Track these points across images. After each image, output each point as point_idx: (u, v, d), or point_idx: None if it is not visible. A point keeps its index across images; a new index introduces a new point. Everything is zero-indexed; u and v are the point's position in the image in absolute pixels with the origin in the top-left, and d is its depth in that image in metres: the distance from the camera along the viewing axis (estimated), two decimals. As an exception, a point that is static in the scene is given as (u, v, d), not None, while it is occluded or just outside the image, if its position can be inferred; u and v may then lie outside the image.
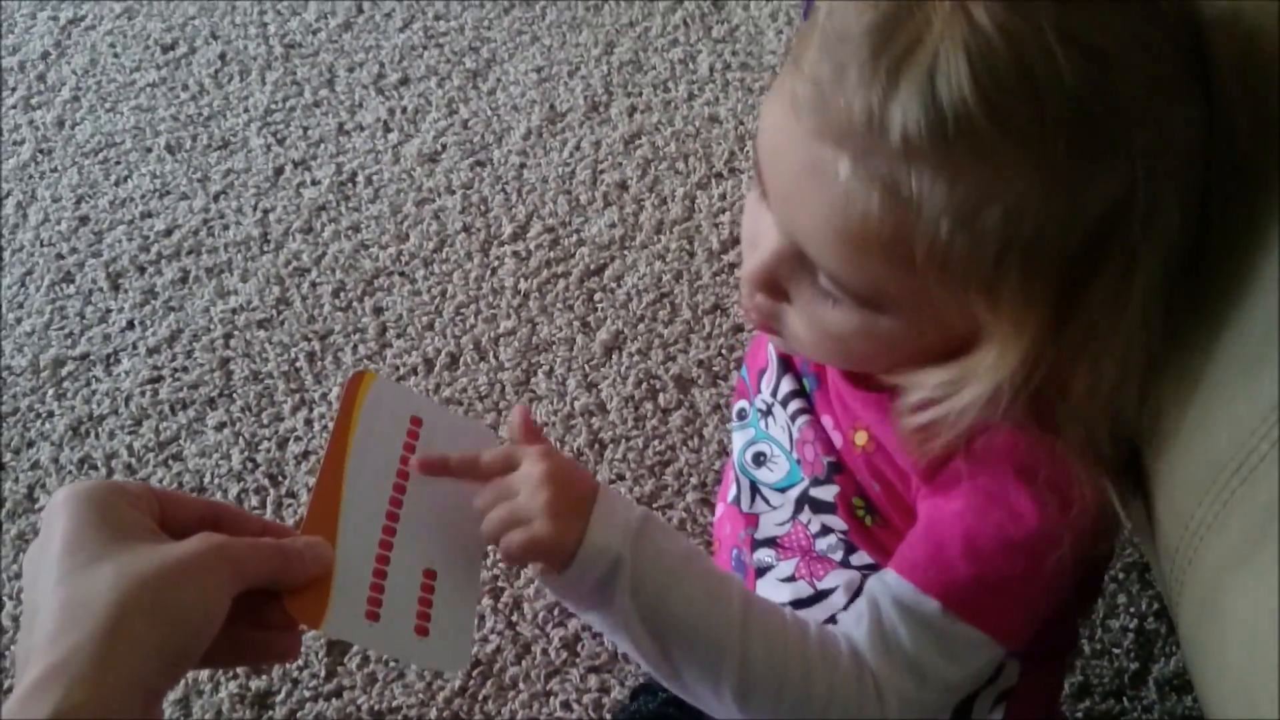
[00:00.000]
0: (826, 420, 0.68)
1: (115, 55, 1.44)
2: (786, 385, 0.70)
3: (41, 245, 1.22)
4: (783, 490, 0.70)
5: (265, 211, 1.25)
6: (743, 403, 0.74)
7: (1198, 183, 0.53)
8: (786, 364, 0.71)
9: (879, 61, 0.49)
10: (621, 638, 0.61)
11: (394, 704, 0.87)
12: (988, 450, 0.58)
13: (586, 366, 1.09)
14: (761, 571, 0.70)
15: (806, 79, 0.52)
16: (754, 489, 0.72)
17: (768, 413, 0.71)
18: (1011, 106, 0.48)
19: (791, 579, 0.69)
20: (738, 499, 0.73)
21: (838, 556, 0.67)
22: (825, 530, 0.68)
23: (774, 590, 0.69)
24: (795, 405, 0.69)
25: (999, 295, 0.52)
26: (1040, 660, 0.66)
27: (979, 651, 0.59)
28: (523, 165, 1.29)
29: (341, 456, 0.60)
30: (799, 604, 0.67)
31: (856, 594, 0.65)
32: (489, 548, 0.62)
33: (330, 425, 1.03)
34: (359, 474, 0.59)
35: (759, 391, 0.73)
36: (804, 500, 0.69)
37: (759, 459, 0.72)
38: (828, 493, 0.67)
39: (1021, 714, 0.66)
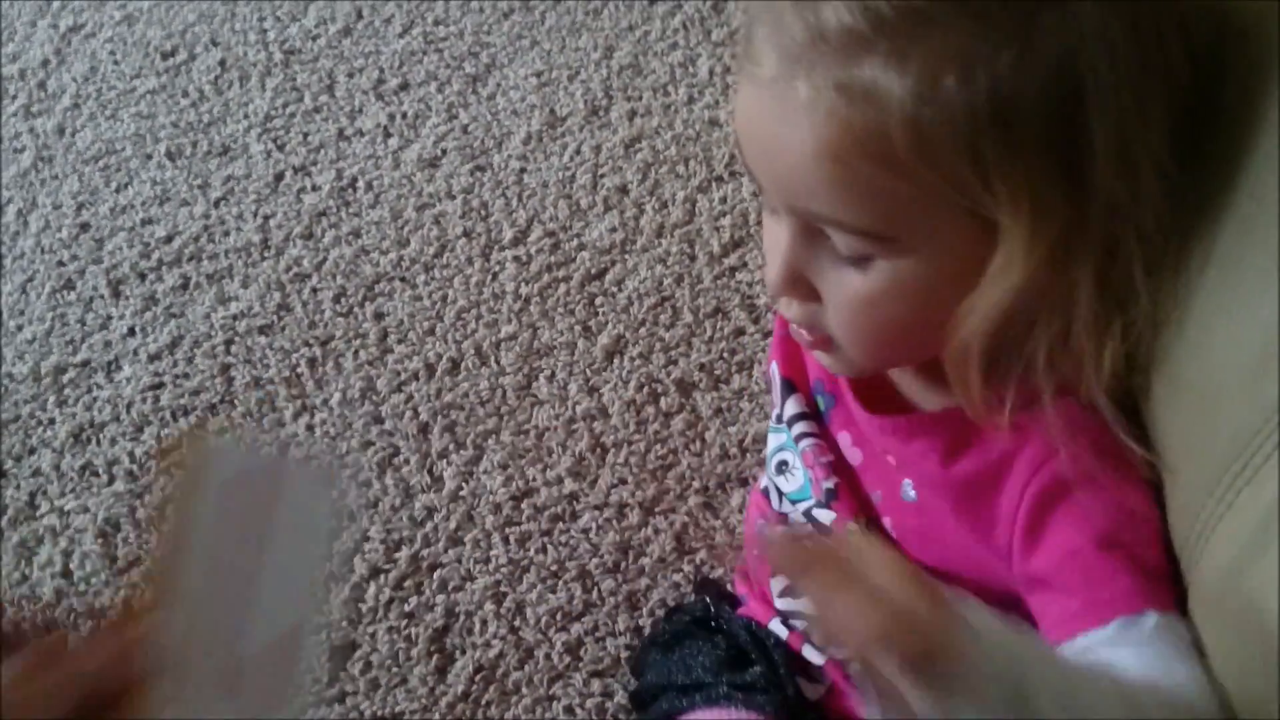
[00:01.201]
0: (844, 438, 0.68)
1: (115, 62, 1.44)
2: (792, 408, 0.70)
3: (42, 252, 1.22)
4: (794, 503, 0.71)
5: (266, 217, 1.25)
6: (778, 407, 0.74)
7: (1150, 42, 0.52)
8: (791, 386, 0.71)
9: None
10: None
11: (397, 709, 0.86)
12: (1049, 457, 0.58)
13: (588, 371, 1.08)
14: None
15: (755, 45, 0.54)
16: (779, 492, 0.72)
17: (782, 422, 0.72)
18: None
19: None
20: (767, 491, 0.74)
21: None
22: None
23: None
24: (800, 428, 0.69)
25: (987, 169, 0.52)
26: None
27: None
28: (523, 170, 1.29)
29: (179, 529, 0.53)
30: None
31: None
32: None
33: (331, 431, 1.04)
34: (201, 544, 0.53)
35: (777, 405, 0.73)
36: (809, 517, 0.69)
37: (782, 466, 0.72)
38: (826, 517, 0.68)
39: None
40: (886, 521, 0.67)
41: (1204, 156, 0.54)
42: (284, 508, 0.56)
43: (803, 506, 0.70)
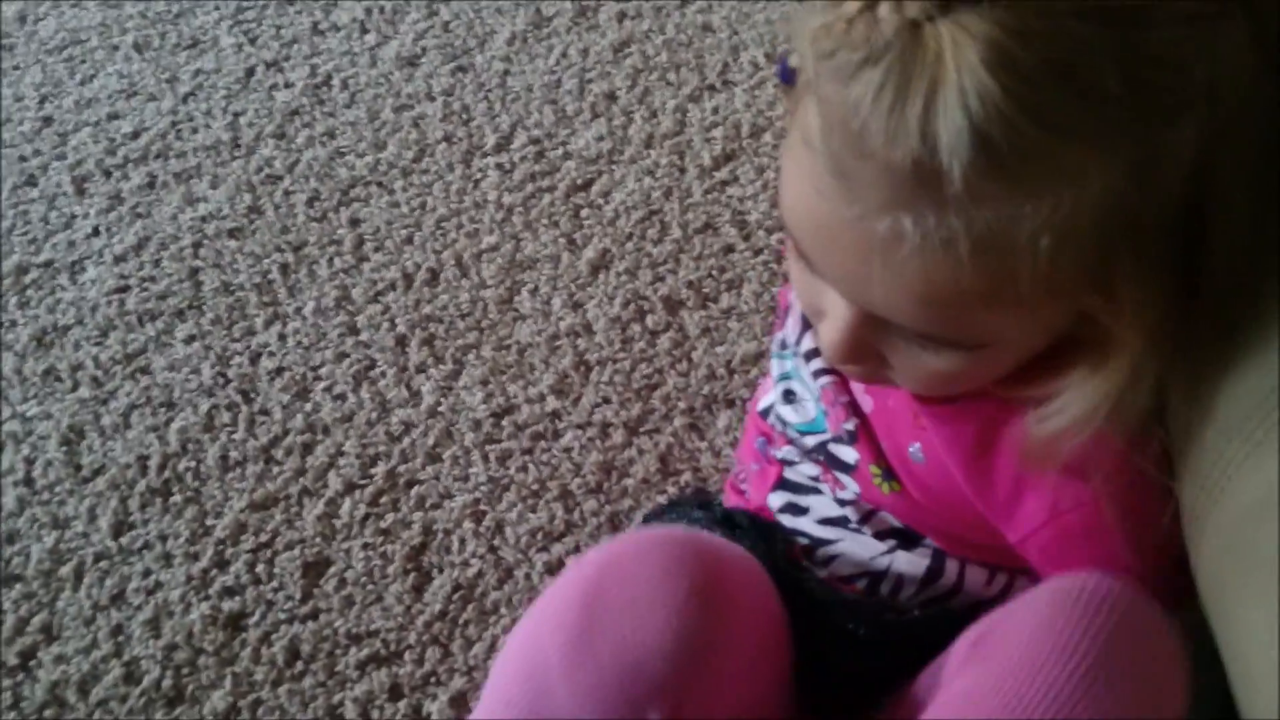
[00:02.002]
0: (856, 383, 0.65)
1: (78, -54, 1.36)
2: (809, 341, 0.67)
3: (3, 147, 1.16)
4: (803, 434, 0.68)
5: (236, 115, 1.20)
6: (783, 333, 0.71)
7: (1267, 109, 0.49)
8: (808, 320, 0.68)
9: (904, 111, 0.44)
10: None
11: (372, 627, 0.85)
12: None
13: (572, 286, 1.05)
14: (802, 510, 0.68)
15: (825, 158, 0.47)
16: (783, 421, 0.70)
17: (797, 355, 0.69)
18: (1052, 102, 0.44)
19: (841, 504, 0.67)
20: (766, 414, 0.72)
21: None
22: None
23: (830, 509, 0.67)
24: (818, 363, 0.67)
25: (1115, 288, 0.49)
26: None
27: None
28: (506, 72, 1.24)
29: None
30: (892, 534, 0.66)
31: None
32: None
33: (304, 341, 1.00)
34: None
35: (782, 330, 0.70)
36: (822, 450, 0.67)
37: (789, 395, 0.69)
38: (849, 455, 0.66)
39: None
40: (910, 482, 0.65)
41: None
42: None
43: (814, 440, 0.68)
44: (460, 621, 0.85)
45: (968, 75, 0.43)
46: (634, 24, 1.28)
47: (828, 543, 0.67)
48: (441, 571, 0.88)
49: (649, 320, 1.02)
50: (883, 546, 0.66)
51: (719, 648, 0.56)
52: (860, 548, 0.66)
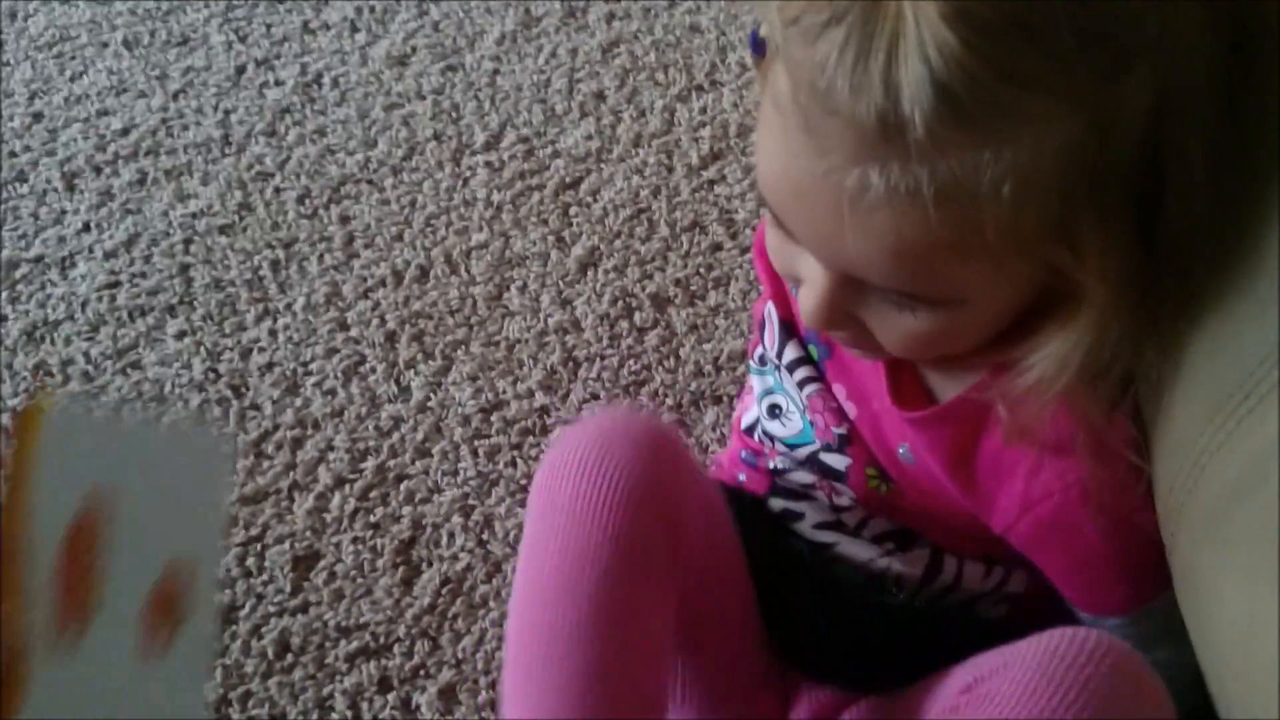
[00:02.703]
0: (839, 389, 0.66)
1: (68, -57, 1.37)
2: (791, 352, 0.68)
3: (-9, 142, 1.17)
4: (792, 447, 0.69)
5: (226, 112, 1.20)
6: (761, 348, 0.72)
7: (1217, 69, 0.50)
8: (790, 329, 0.68)
9: (866, 65, 0.46)
10: None
11: (361, 620, 0.85)
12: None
13: (561, 283, 1.06)
14: (798, 515, 0.70)
15: (795, 117, 0.49)
16: (770, 437, 0.71)
17: (778, 368, 0.69)
18: (1008, 53, 0.45)
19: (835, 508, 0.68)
20: (751, 430, 0.72)
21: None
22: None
23: (825, 515, 0.69)
24: (802, 373, 0.67)
25: (1079, 240, 0.50)
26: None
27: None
28: (496, 71, 1.24)
29: (20, 512, 0.48)
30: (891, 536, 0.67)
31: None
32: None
33: (294, 336, 1.01)
34: (47, 529, 0.48)
35: (761, 345, 0.71)
36: (812, 462, 0.68)
37: (774, 410, 0.70)
38: (839, 461, 0.66)
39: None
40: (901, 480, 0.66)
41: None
42: (160, 462, 0.52)
43: (804, 451, 0.68)
44: (449, 615, 0.86)
45: (927, 28, 0.45)
46: (622, 24, 1.29)
47: (825, 546, 0.68)
48: (430, 565, 0.88)
49: (637, 317, 1.03)
50: (880, 549, 0.67)
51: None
52: (858, 550, 0.67)
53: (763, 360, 0.71)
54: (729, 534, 0.67)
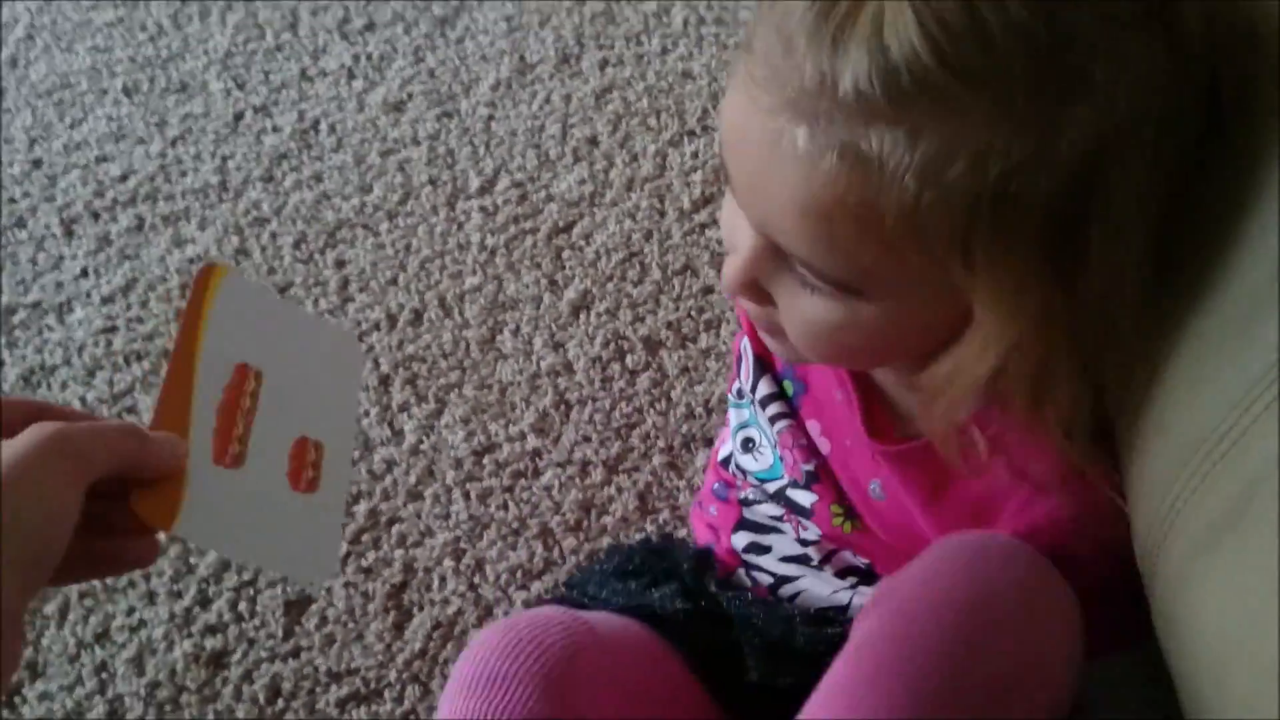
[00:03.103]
0: (813, 425, 0.67)
1: (70, -8, 1.39)
2: (765, 388, 0.69)
3: (-9, 188, 1.18)
4: (762, 481, 0.70)
5: (224, 158, 1.22)
6: (739, 382, 0.73)
7: (1172, 124, 0.51)
8: (764, 364, 0.69)
9: (824, 25, 0.48)
10: None
11: (352, 665, 0.85)
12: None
13: (553, 325, 1.07)
14: (765, 549, 0.70)
15: (757, 57, 0.51)
16: (743, 470, 0.71)
17: (754, 403, 0.70)
18: (963, 52, 0.47)
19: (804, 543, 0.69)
20: (726, 463, 0.73)
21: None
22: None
23: (791, 548, 0.68)
24: (774, 409, 0.68)
25: (973, 256, 0.50)
26: None
27: None
28: (491, 117, 1.26)
29: (192, 354, 0.55)
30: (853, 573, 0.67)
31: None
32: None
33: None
34: (211, 372, 0.55)
35: (738, 379, 0.72)
36: (780, 496, 0.68)
37: (748, 444, 0.71)
38: (805, 498, 0.67)
39: None
40: (868, 517, 0.66)
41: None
42: (303, 345, 0.60)
43: (773, 486, 0.69)
44: (440, 659, 0.86)
45: (892, 7, 0.47)
46: (615, 71, 1.31)
47: (789, 580, 0.69)
48: (422, 609, 0.88)
49: (629, 360, 1.04)
50: (844, 583, 0.68)
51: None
52: (822, 584, 0.68)
53: (740, 394, 0.72)
54: (664, 698, 0.67)
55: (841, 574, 0.68)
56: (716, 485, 0.74)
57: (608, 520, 0.93)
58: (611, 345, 1.05)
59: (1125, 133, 0.49)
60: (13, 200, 1.17)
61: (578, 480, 0.95)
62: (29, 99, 1.27)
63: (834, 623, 0.67)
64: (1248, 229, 0.50)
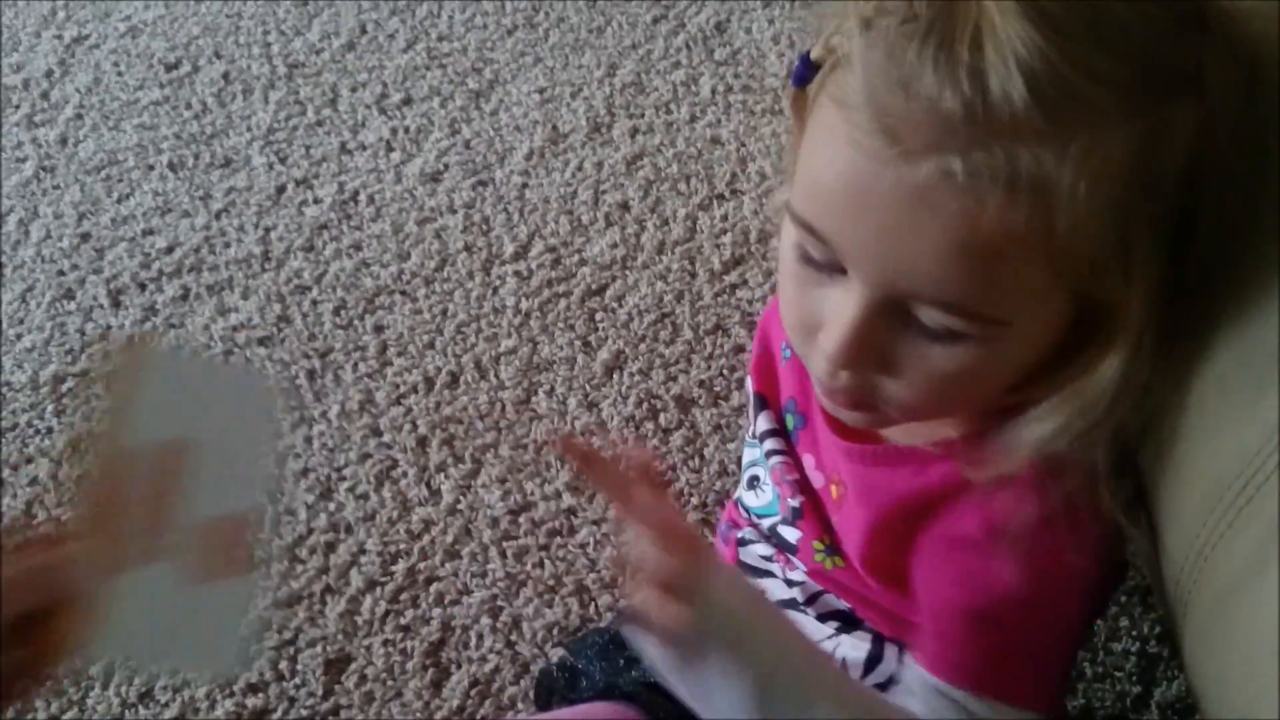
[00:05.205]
0: (808, 460, 0.67)
1: (119, 74, 1.44)
2: (763, 423, 0.70)
3: (43, 262, 1.22)
4: (760, 518, 0.71)
5: (267, 229, 1.25)
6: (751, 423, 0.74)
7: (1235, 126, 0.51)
8: (764, 401, 0.70)
9: (951, 54, 0.46)
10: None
11: (391, 723, 0.86)
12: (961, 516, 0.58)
13: (587, 386, 1.08)
14: (762, 573, 0.71)
15: (866, 111, 0.49)
16: (746, 507, 0.72)
17: (754, 438, 0.71)
18: (1088, 54, 0.47)
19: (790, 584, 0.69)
20: (739, 502, 0.74)
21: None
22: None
23: (781, 592, 0.69)
24: (771, 444, 0.69)
25: (1131, 257, 0.50)
26: None
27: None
28: (525, 185, 1.29)
29: (118, 441, 0.53)
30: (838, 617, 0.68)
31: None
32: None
33: (329, 443, 1.03)
34: (136, 459, 0.52)
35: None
36: (772, 533, 0.69)
37: (753, 482, 0.72)
38: (791, 534, 0.68)
39: None
40: (845, 545, 0.66)
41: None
42: (222, 406, 0.56)
43: (768, 523, 0.70)
44: (477, 717, 0.87)
45: (1010, 23, 0.46)
46: (646, 138, 1.34)
47: None
48: (460, 667, 0.89)
49: (662, 418, 1.05)
50: (827, 630, 0.67)
51: None
52: (809, 629, 0.67)
53: (753, 434, 0.73)
54: None
55: (824, 618, 0.67)
56: (723, 526, 0.75)
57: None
58: (645, 404, 1.06)
59: (1218, 127, 0.50)
60: (61, 273, 1.21)
61: (612, 537, 0.96)
62: (78, 175, 1.32)
63: None
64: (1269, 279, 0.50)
